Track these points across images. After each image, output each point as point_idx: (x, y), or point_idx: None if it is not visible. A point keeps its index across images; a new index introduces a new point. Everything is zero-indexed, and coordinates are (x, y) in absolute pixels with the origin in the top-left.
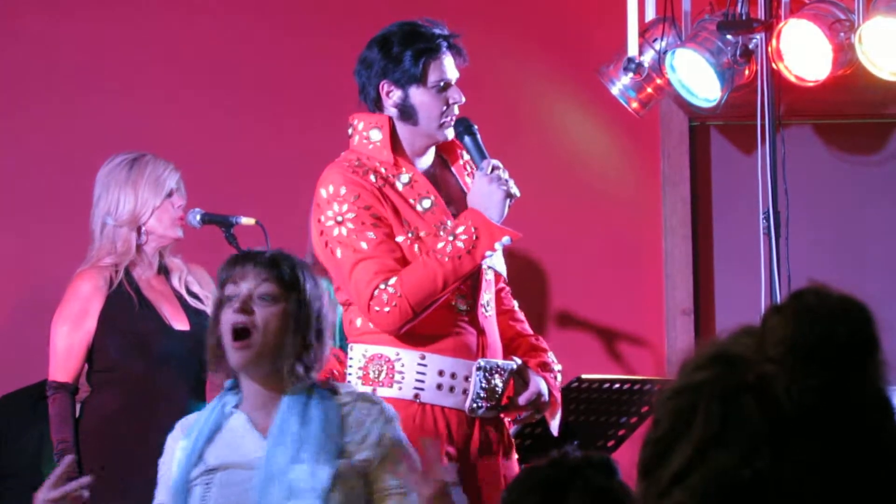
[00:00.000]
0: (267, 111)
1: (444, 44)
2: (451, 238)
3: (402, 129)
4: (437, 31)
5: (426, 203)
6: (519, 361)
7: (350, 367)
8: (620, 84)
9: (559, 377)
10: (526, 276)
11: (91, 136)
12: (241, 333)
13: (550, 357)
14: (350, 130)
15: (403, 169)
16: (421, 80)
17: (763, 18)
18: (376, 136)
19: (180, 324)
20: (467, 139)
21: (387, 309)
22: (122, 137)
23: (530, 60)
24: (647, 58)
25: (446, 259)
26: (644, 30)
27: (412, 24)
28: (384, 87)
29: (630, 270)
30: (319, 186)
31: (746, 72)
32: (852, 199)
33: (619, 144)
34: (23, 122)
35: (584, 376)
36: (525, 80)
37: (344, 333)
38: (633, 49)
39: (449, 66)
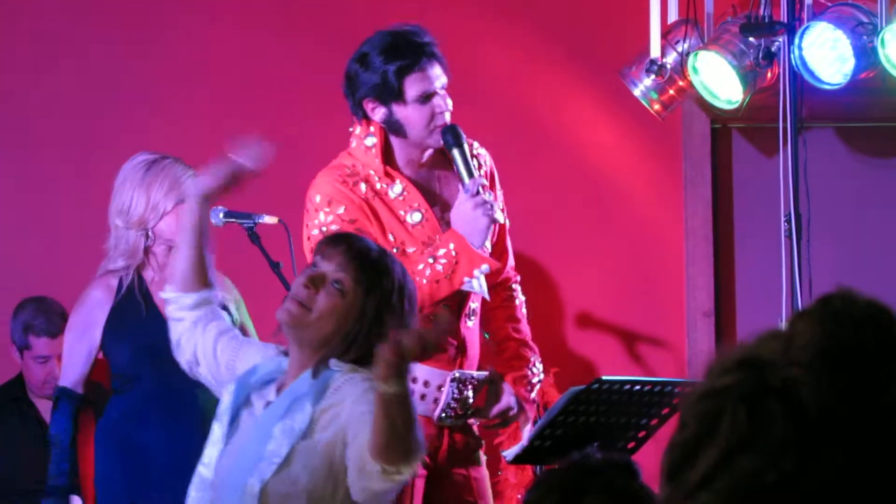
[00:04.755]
0: (290, 110)
1: (422, 55)
2: (430, 261)
3: (394, 141)
4: (417, 39)
5: (416, 216)
6: (493, 372)
7: None
8: (643, 86)
9: (535, 389)
10: (547, 277)
11: (116, 134)
12: (298, 305)
13: (532, 368)
14: (351, 133)
15: (396, 180)
16: (401, 97)
17: (786, 21)
18: (371, 142)
19: None
20: (456, 152)
21: None
22: (145, 135)
23: (552, 62)
24: (670, 60)
25: (424, 282)
26: (666, 31)
27: (389, 36)
28: (368, 104)
29: (651, 272)
30: (310, 190)
31: (769, 74)
32: (874, 202)
33: (640, 146)
34: (43, 129)
35: (604, 377)
36: (547, 81)
37: None
38: (655, 51)
39: (431, 76)
